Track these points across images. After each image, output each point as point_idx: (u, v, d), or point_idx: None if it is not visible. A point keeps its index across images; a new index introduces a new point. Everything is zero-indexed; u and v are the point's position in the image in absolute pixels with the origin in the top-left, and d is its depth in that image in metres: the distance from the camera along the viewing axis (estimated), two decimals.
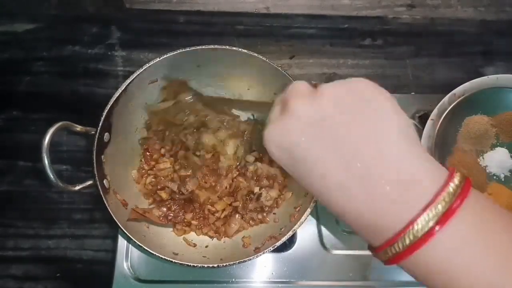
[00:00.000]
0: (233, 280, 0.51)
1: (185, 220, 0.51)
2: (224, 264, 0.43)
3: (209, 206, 0.51)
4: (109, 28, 0.65)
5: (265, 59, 0.48)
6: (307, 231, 0.54)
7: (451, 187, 0.24)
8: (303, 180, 0.27)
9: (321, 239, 0.54)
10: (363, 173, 0.24)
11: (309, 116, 0.26)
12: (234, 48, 0.48)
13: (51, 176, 0.39)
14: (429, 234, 0.23)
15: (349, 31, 0.67)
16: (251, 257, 0.43)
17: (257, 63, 0.49)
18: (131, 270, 0.51)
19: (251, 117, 0.56)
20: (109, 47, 0.64)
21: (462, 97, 0.53)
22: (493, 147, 0.54)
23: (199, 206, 0.51)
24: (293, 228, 0.44)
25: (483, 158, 0.54)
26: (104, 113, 0.44)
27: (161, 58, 0.47)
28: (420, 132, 0.54)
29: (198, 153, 0.52)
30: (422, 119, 0.57)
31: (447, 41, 0.67)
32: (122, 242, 0.52)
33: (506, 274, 0.23)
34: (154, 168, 0.53)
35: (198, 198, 0.50)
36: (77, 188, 0.43)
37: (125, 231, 0.42)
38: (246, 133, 0.53)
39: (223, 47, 0.48)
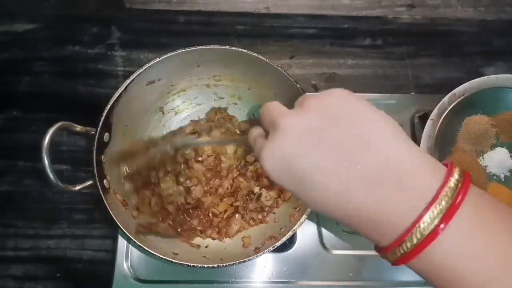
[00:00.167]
0: (233, 280, 0.51)
1: (192, 227, 0.51)
2: (224, 264, 0.43)
3: (213, 209, 0.51)
4: (109, 28, 0.65)
5: (265, 59, 0.48)
6: (307, 231, 0.54)
7: (452, 182, 0.24)
8: (304, 194, 0.27)
9: (321, 239, 0.53)
10: (363, 174, 0.24)
11: (301, 127, 0.26)
12: (234, 48, 0.48)
13: (51, 176, 0.39)
14: (436, 231, 0.23)
15: (349, 31, 0.67)
16: (251, 257, 0.43)
17: (257, 63, 0.49)
18: (131, 270, 0.51)
19: (252, 116, 0.56)
20: (109, 47, 0.64)
21: (462, 97, 0.53)
22: (493, 147, 0.54)
23: (204, 211, 0.51)
24: (293, 228, 0.44)
25: (483, 158, 0.54)
26: (104, 113, 0.44)
27: (161, 58, 0.47)
28: (420, 132, 0.54)
29: (200, 159, 0.52)
30: (422, 119, 0.57)
31: (447, 41, 0.67)
32: (122, 242, 0.52)
33: (507, 264, 0.23)
34: (156, 190, 0.51)
35: (203, 203, 0.51)
36: (77, 188, 0.43)
37: (125, 231, 0.42)
38: (246, 132, 0.53)
39: (223, 47, 0.48)
